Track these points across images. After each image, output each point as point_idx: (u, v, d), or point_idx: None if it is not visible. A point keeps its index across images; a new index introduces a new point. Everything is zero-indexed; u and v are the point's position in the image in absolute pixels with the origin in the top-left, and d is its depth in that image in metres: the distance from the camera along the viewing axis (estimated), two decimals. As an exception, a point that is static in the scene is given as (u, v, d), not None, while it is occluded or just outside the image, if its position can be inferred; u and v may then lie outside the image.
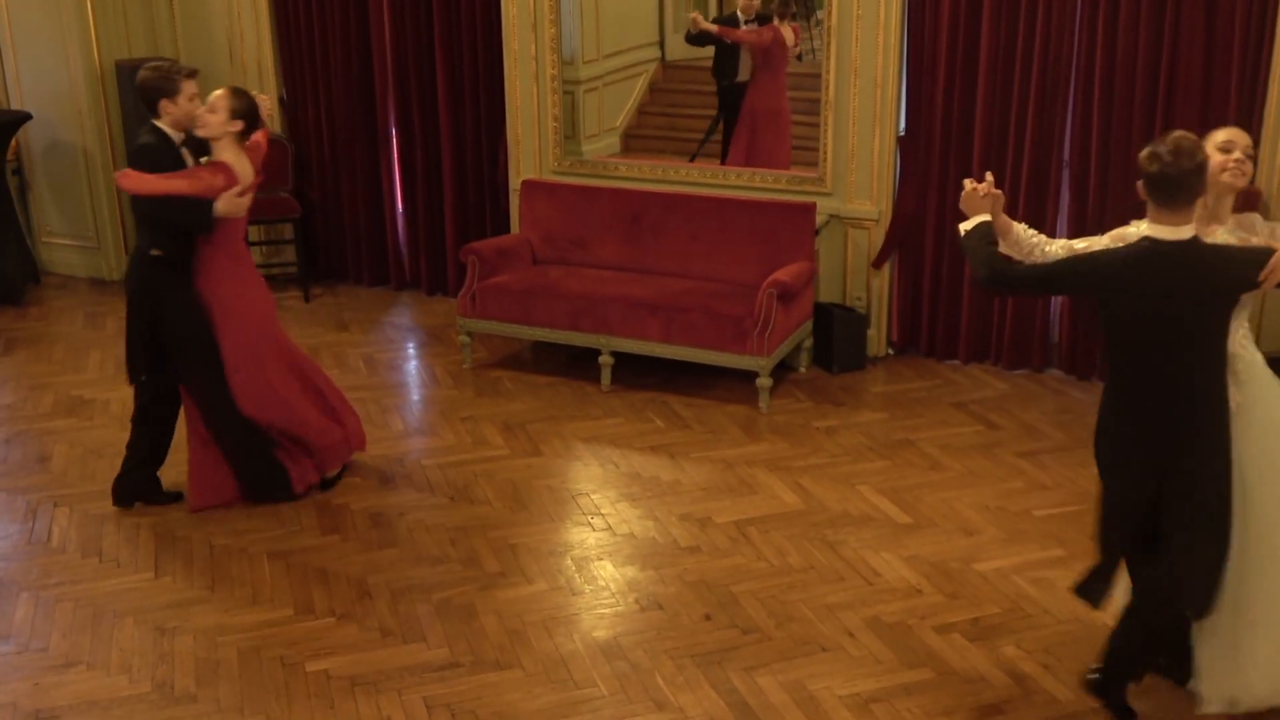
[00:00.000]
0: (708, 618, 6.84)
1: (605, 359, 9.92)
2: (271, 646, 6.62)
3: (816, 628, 6.74)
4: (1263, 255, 5.37)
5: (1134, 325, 5.49)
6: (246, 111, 7.55)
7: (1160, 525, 5.72)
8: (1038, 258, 5.94)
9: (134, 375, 7.92)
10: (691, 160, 11.15)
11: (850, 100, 9.95)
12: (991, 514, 7.95)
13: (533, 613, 6.90)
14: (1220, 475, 5.60)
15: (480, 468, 8.69)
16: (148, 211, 7.52)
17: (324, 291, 12.61)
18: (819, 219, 10.03)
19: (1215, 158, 5.68)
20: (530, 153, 11.19)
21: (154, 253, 7.59)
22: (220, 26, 12.49)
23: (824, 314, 10.23)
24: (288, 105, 12.48)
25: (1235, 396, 5.64)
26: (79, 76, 12.24)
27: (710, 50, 11.31)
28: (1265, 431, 5.75)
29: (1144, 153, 5.38)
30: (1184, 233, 5.37)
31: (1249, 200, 6.44)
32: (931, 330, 10.44)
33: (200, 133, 7.54)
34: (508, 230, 11.50)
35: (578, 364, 10.36)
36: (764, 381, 9.48)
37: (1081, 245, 5.96)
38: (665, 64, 11.67)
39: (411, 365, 10.80)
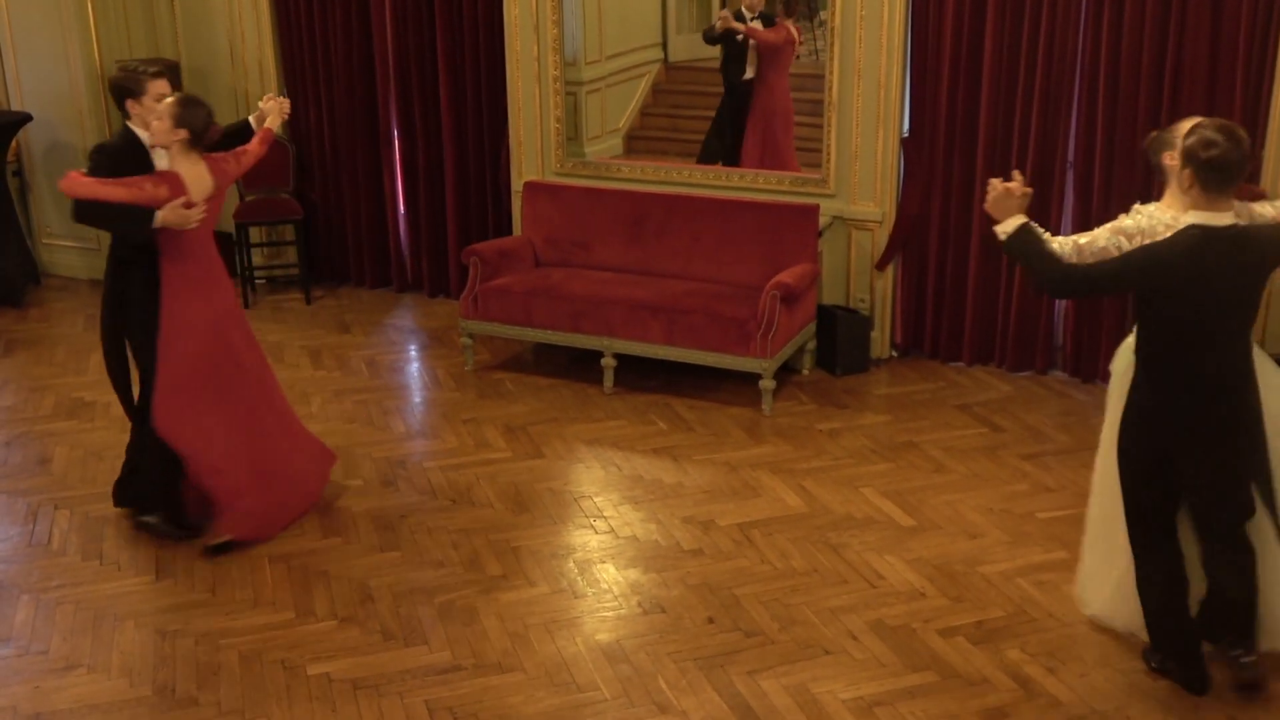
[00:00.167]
0: (710, 621, 6.83)
1: (608, 361, 9.90)
2: (273, 650, 6.61)
3: (820, 631, 6.72)
4: None
5: (1188, 312, 5.66)
6: (193, 121, 7.18)
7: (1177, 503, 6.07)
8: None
9: (111, 375, 7.89)
10: (708, 163, 11.10)
11: (854, 101, 9.92)
12: (995, 516, 7.93)
13: (535, 616, 6.88)
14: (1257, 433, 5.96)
15: (482, 470, 8.67)
16: (83, 216, 7.42)
17: (325, 293, 12.59)
18: (822, 220, 10.01)
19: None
20: (532, 154, 11.17)
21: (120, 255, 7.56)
22: (221, 27, 12.47)
23: (827, 316, 10.21)
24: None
25: None
26: (79, 77, 12.23)
27: (714, 51, 11.28)
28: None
29: (1192, 140, 5.54)
30: (1227, 218, 5.59)
31: (1253, 199, 6.50)
32: (935, 332, 10.42)
33: (148, 138, 7.36)
34: (510, 232, 11.48)
35: (580, 366, 10.34)
36: (767, 384, 9.46)
37: (1085, 240, 6.15)
38: (668, 65, 11.65)
39: (413, 367, 10.78)
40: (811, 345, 10.23)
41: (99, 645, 6.66)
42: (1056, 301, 9.91)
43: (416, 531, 7.83)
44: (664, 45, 11.59)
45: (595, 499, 8.25)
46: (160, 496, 7.79)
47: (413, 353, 11.08)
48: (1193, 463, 5.90)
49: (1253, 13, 8.76)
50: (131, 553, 7.60)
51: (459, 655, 6.53)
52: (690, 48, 11.50)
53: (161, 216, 7.10)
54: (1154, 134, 6.49)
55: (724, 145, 11.21)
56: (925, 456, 8.79)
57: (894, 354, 10.55)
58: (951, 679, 6.32)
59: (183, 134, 7.13)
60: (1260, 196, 8.14)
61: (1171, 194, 6.22)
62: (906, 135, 9.99)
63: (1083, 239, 6.16)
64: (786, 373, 10.10)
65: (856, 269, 10.34)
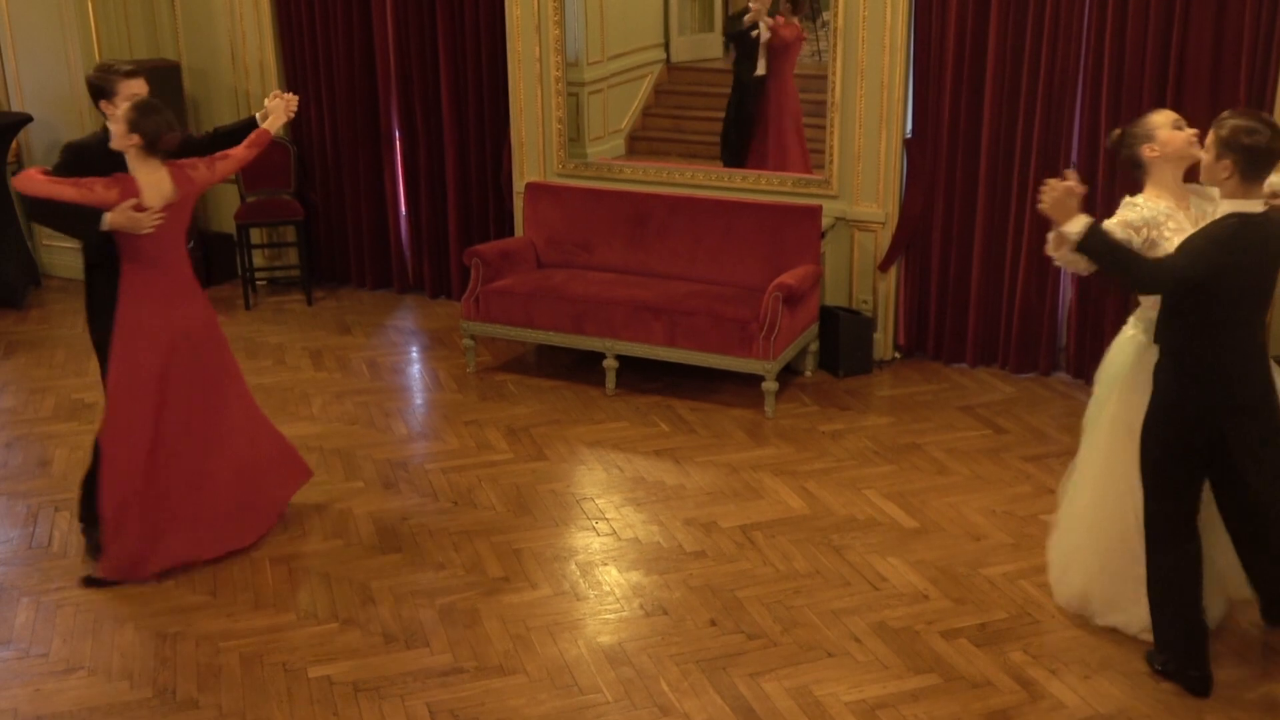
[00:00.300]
0: (713, 623, 6.81)
1: (610, 363, 9.88)
2: (274, 652, 6.59)
3: (822, 633, 6.70)
4: None
5: (1226, 299, 5.78)
6: (144, 127, 6.97)
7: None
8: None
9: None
10: (731, 163, 11.08)
11: (857, 102, 9.91)
12: (998, 518, 7.91)
13: (537, 618, 6.87)
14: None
15: (484, 472, 8.65)
16: (36, 214, 7.40)
17: (326, 295, 12.58)
18: (825, 222, 9.99)
19: (1177, 134, 6.19)
20: (534, 155, 11.16)
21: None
22: (222, 28, 12.46)
23: (830, 317, 10.20)
24: (290, 107, 12.46)
25: None
26: (80, 79, 12.14)
27: (716, 51, 11.27)
28: None
29: (1228, 130, 5.68)
30: (1259, 205, 5.72)
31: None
32: (938, 334, 10.41)
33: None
34: (511, 233, 11.47)
35: (582, 368, 10.33)
36: (769, 385, 9.44)
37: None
38: (670, 66, 11.63)
39: (414, 369, 10.77)
40: (814, 347, 10.22)
41: (99, 647, 6.64)
42: (1060, 303, 9.89)
43: (418, 533, 7.81)
44: (666, 46, 11.57)
45: (597, 501, 8.23)
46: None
47: (414, 354, 11.06)
48: (1246, 441, 5.98)
49: (1256, 12, 8.74)
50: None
51: (460, 657, 6.51)
52: (692, 48, 11.49)
53: (110, 219, 6.92)
54: (1118, 131, 6.49)
55: (741, 142, 11.17)
56: (928, 458, 8.78)
57: (897, 355, 10.53)
58: (954, 681, 6.30)
59: (135, 139, 6.96)
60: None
61: (1156, 184, 6.27)
62: (909, 136, 9.98)
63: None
64: (789, 374, 10.09)
65: (859, 270, 10.33)
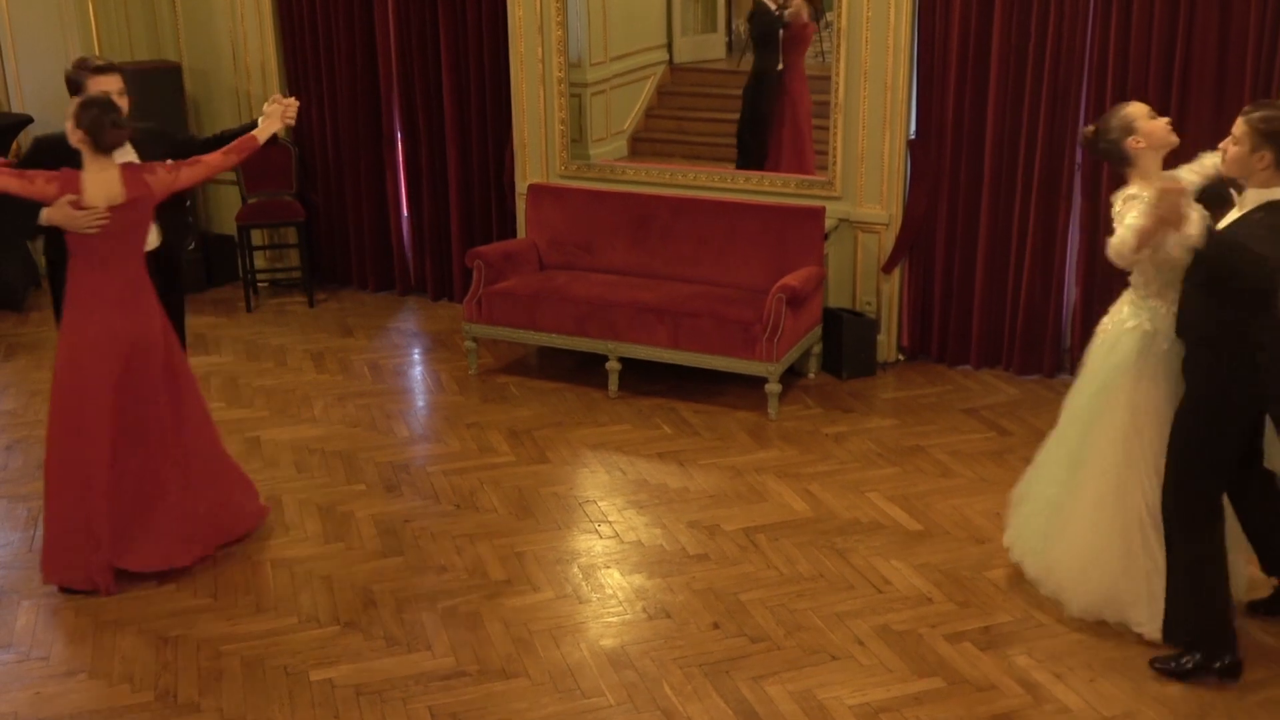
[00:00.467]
0: (716, 626, 6.79)
1: (612, 365, 9.86)
2: (275, 655, 6.57)
3: (826, 636, 6.69)
4: None
5: (1263, 286, 5.92)
6: (85, 123, 6.75)
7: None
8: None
9: None
10: (747, 165, 11.03)
11: (860, 103, 9.89)
12: (1002, 521, 7.84)
13: (539, 621, 6.85)
14: None
15: (486, 475, 8.63)
16: None
17: (328, 296, 12.57)
18: (828, 223, 9.98)
19: (1157, 124, 6.43)
20: (537, 156, 11.15)
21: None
22: (223, 28, 12.45)
23: (833, 319, 10.18)
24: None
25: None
26: (82, 80, 12.21)
27: (719, 52, 11.26)
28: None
29: (1271, 116, 5.90)
30: None
31: None
32: (942, 335, 10.39)
33: None
34: (514, 235, 11.45)
35: (584, 370, 10.31)
36: (773, 387, 9.42)
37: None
38: (673, 67, 11.62)
39: (416, 371, 10.75)
40: (817, 349, 10.20)
41: (100, 651, 6.62)
42: (1064, 304, 9.87)
43: (420, 536, 7.80)
44: (669, 47, 11.57)
45: (600, 504, 8.21)
46: None
47: (416, 356, 11.05)
48: None
49: (1261, 11, 8.71)
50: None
51: (463, 661, 6.49)
52: (695, 49, 11.48)
53: (46, 214, 6.80)
54: (1091, 128, 6.55)
55: (759, 140, 11.13)
56: (932, 460, 8.76)
57: (900, 357, 10.51)
58: (959, 685, 6.28)
59: (79, 135, 6.80)
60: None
61: (1142, 175, 6.38)
62: (913, 137, 9.95)
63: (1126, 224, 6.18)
64: (792, 376, 10.07)
65: (863, 272, 10.31)
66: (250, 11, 12.26)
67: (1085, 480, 6.67)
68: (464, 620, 6.86)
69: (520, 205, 11.22)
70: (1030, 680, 6.30)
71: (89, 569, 7.13)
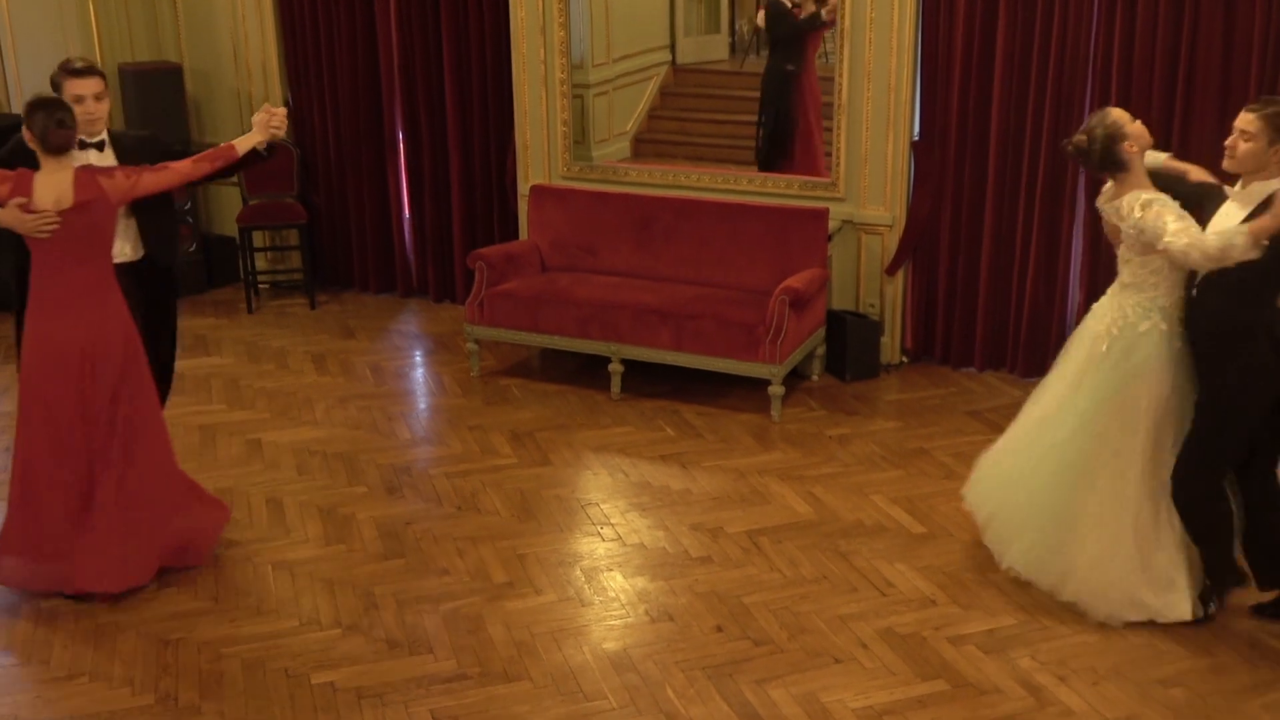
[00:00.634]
0: (719, 629, 6.77)
1: (615, 367, 9.84)
2: (276, 658, 6.55)
3: (829, 639, 6.67)
4: None
5: None
6: (32, 123, 6.63)
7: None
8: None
9: None
10: (769, 168, 10.98)
11: (863, 104, 9.87)
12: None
13: (541, 624, 6.83)
14: None
15: (488, 477, 8.62)
16: None
17: (330, 298, 12.55)
18: (832, 225, 9.95)
19: (1139, 126, 6.57)
20: (539, 158, 11.13)
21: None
22: (225, 29, 12.43)
23: (837, 321, 10.16)
24: (293, 109, 12.40)
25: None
26: (83, 81, 12.18)
27: (722, 53, 11.24)
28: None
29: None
30: None
31: None
32: (946, 337, 10.37)
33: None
34: (516, 236, 11.43)
35: (587, 372, 10.30)
36: (776, 389, 9.40)
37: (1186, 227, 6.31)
38: (676, 67, 11.61)
39: (418, 373, 10.73)
40: (821, 351, 10.18)
41: (101, 654, 6.60)
42: (1068, 306, 9.85)
43: (422, 539, 7.78)
44: (672, 48, 11.55)
45: (602, 506, 8.20)
46: None
47: (418, 358, 11.03)
48: None
49: (1266, 11, 8.69)
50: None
51: (464, 664, 6.48)
52: (698, 50, 11.47)
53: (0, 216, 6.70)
54: (1082, 139, 6.59)
55: (783, 139, 11.09)
56: (936, 463, 8.74)
57: (904, 359, 10.49)
58: (962, 688, 6.27)
59: (28, 135, 6.70)
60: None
61: (1137, 176, 6.53)
62: (917, 138, 9.94)
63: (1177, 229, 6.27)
64: (796, 378, 10.05)
65: (866, 274, 10.29)
66: (251, 12, 12.24)
67: (1098, 487, 6.74)
68: (466, 623, 6.84)
69: (522, 207, 11.20)
70: (1034, 683, 6.29)
71: (38, 577, 7.08)
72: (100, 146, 7.34)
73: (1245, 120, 6.23)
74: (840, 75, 9.92)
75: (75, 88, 7.17)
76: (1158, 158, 6.85)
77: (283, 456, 8.95)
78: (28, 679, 6.41)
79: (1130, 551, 6.69)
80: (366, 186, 12.37)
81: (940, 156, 9.90)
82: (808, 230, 9.85)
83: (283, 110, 7.55)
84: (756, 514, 8.07)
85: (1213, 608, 6.75)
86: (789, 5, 10.84)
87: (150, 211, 7.41)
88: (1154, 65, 9.09)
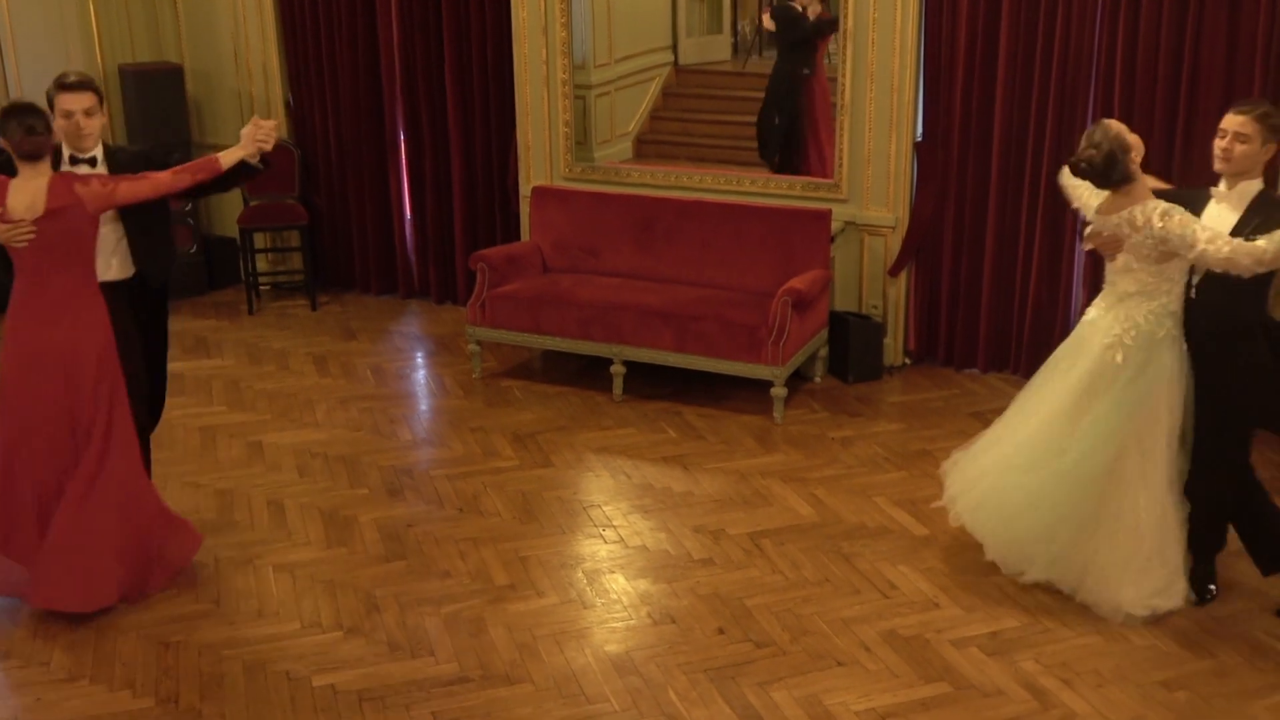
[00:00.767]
0: (721, 631, 6.76)
1: (617, 368, 9.83)
2: (277, 660, 6.54)
3: (832, 641, 6.65)
4: None
5: None
6: (7, 133, 6.56)
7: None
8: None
9: None
10: (785, 170, 10.93)
11: (866, 105, 9.86)
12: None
13: (543, 626, 6.82)
14: None
15: (490, 479, 8.60)
16: None
17: (331, 300, 12.54)
18: (834, 226, 9.94)
19: (1135, 136, 6.63)
20: (541, 159, 11.12)
21: None
22: (226, 30, 12.42)
23: (840, 323, 10.15)
24: (294, 110, 12.40)
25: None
26: (83, 82, 12.15)
27: (725, 54, 11.22)
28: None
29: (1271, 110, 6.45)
30: None
31: None
32: (949, 339, 10.36)
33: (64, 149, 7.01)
34: (518, 237, 11.42)
35: (589, 373, 10.28)
36: (779, 391, 9.38)
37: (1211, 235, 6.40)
38: (678, 68, 11.59)
39: (420, 375, 10.72)
40: (824, 352, 10.17)
41: (101, 657, 6.58)
42: (1072, 307, 9.84)
43: (423, 541, 7.76)
44: (674, 48, 11.53)
45: (604, 508, 8.18)
46: None
47: (419, 360, 11.02)
48: None
49: (1271, 12, 8.67)
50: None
51: (466, 666, 6.46)
52: (700, 50, 11.45)
53: None
54: (1093, 153, 6.59)
55: (796, 140, 11.05)
56: (939, 465, 8.65)
57: (907, 361, 10.48)
58: (965, 690, 6.26)
59: (3, 142, 6.64)
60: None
61: (1143, 189, 6.59)
62: (920, 139, 9.92)
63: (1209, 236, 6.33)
64: (798, 380, 10.04)
65: (869, 275, 10.27)
66: (252, 12, 12.22)
67: (1125, 492, 6.77)
68: (467, 625, 6.82)
69: (524, 208, 11.20)
70: (1037, 686, 6.27)
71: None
72: (92, 162, 7.14)
73: (1239, 123, 6.38)
74: (843, 76, 9.91)
75: (64, 102, 7.01)
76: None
77: (284, 458, 8.93)
78: (28, 682, 6.38)
79: (1152, 549, 6.74)
80: (368, 187, 12.36)
81: (943, 157, 9.89)
82: (810, 231, 9.84)
83: (271, 123, 7.38)
84: (759, 516, 8.05)
85: (1211, 591, 6.96)
86: (799, 9, 10.79)
87: (142, 228, 7.25)
88: (1157, 65, 9.07)
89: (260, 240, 12.43)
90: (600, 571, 7.40)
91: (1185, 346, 6.63)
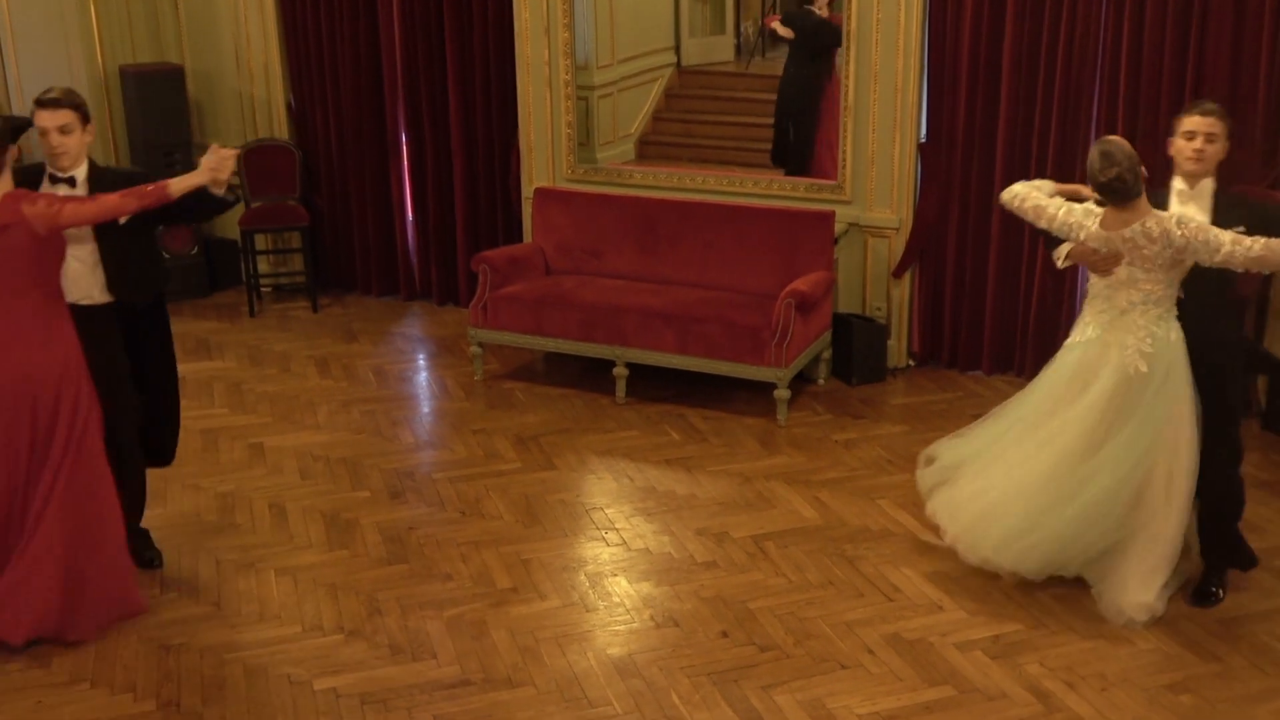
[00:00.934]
0: (724, 635, 6.74)
1: (620, 370, 9.81)
2: (279, 664, 6.52)
3: (835, 645, 6.64)
4: None
5: None
6: None
7: None
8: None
9: None
10: (785, 174, 10.87)
11: (870, 106, 9.84)
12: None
13: (545, 629, 6.80)
14: None
15: (492, 481, 8.59)
16: None
17: (332, 302, 12.53)
18: (838, 227, 9.92)
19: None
20: (543, 160, 11.10)
21: None
22: (227, 31, 12.40)
23: (843, 325, 10.13)
24: (295, 111, 12.39)
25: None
26: (82, 82, 12.05)
27: (728, 54, 11.20)
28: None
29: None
30: None
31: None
32: (953, 341, 10.34)
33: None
34: (520, 239, 11.41)
35: (592, 375, 10.26)
36: (782, 393, 9.36)
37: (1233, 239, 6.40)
38: (681, 69, 11.57)
39: (422, 377, 10.71)
40: (827, 354, 10.15)
41: (102, 660, 6.56)
42: (1076, 309, 9.80)
43: (425, 544, 7.75)
44: (677, 49, 11.51)
45: (607, 511, 8.16)
46: None
47: (421, 362, 11.00)
48: None
49: (1276, 15, 8.66)
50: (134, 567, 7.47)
51: (468, 670, 6.44)
52: (703, 51, 11.43)
53: None
54: (1115, 173, 6.53)
55: (808, 142, 11.01)
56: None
57: (911, 363, 10.46)
58: (969, 693, 6.24)
59: None
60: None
61: (1146, 202, 6.61)
62: (924, 141, 9.91)
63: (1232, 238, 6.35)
64: (802, 382, 10.02)
65: (873, 277, 10.26)
66: (254, 13, 12.20)
67: (1155, 502, 6.76)
68: (469, 628, 6.81)
69: (526, 209, 11.18)
70: (1041, 689, 6.26)
71: None
72: (71, 182, 6.88)
73: (1209, 124, 6.57)
74: (847, 77, 9.89)
75: (40, 119, 6.87)
76: (1048, 185, 7.08)
77: (285, 461, 8.92)
78: (28, 685, 6.36)
79: (1164, 555, 6.78)
80: (369, 189, 12.35)
81: (947, 158, 9.87)
82: (814, 233, 9.82)
83: (232, 153, 6.86)
84: (762, 519, 8.03)
85: (1221, 593, 7.00)
86: (821, 13, 10.68)
87: (116, 250, 6.94)
88: (1162, 67, 9.06)
89: (261, 242, 12.42)
90: (603, 574, 7.39)
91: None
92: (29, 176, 6.81)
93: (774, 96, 11.15)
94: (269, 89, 12.24)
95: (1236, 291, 6.86)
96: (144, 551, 7.45)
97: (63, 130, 6.82)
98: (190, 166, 11.83)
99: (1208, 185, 6.66)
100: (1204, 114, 6.62)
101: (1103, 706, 6.11)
